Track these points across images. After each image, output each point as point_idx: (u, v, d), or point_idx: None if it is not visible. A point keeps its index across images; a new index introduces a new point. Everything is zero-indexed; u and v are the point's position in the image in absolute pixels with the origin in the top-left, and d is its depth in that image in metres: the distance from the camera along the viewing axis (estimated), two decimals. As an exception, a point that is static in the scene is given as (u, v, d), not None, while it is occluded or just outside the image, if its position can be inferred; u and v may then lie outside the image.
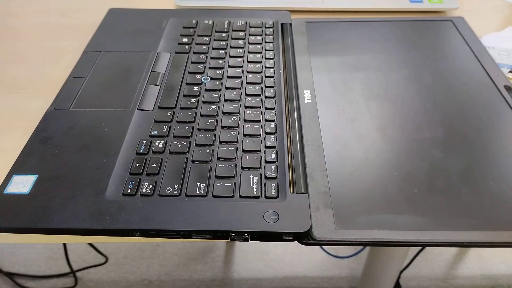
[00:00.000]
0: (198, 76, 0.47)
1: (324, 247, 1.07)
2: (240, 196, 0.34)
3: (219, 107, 0.42)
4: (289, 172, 0.36)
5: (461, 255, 1.11)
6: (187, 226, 0.31)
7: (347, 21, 0.57)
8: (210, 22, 0.55)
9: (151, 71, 0.47)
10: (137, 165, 0.36)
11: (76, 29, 0.57)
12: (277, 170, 0.36)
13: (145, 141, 0.38)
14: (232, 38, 0.52)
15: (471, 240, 0.32)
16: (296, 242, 0.32)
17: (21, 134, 0.40)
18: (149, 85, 0.45)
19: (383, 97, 0.44)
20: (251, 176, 0.35)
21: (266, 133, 0.40)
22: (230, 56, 0.49)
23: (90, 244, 1.05)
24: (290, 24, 0.56)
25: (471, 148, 0.39)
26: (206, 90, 0.44)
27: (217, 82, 0.45)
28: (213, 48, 0.51)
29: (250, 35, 0.53)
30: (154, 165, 0.36)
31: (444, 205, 0.34)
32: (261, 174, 0.36)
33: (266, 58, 0.49)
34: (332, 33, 0.54)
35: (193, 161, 0.37)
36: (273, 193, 0.34)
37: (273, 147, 0.38)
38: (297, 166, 0.37)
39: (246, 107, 0.42)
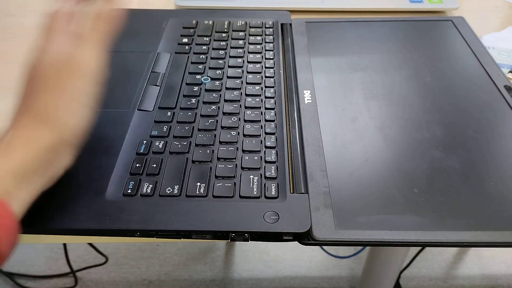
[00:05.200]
0: (198, 76, 0.47)
1: (324, 247, 1.07)
2: (240, 196, 0.34)
3: (219, 107, 0.42)
4: (289, 172, 0.36)
5: (461, 255, 1.11)
6: (187, 226, 0.31)
7: (347, 21, 0.57)
8: (210, 22, 0.55)
9: (151, 72, 0.47)
10: (137, 165, 0.36)
11: (76, 29, 0.57)
12: (277, 170, 0.36)
13: (145, 141, 0.38)
14: (232, 38, 0.52)
15: (471, 240, 0.32)
16: (296, 242, 0.32)
17: (21, 134, 0.40)
18: (149, 85, 0.45)
19: (383, 97, 0.44)
20: (251, 176, 0.35)
21: (266, 133, 0.40)
22: (230, 56, 0.49)
23: (90, 244, 1.05)
24: (290, 24, 0.56)
25: (471, 148, 0.39)
26: (206, 90, 0.44)
27: (217, 83, 0.45)
28: (213, 49, 0.51)
29: (250, 35, 0.53)
30: (154, 165, 0.36)
31: (444, 205, 0.34)
32: (261, 174, 0.36)
33: (266, 58, 0.49)
34: (332, 33, 0.54)
35: (193, 161, 0.37)
36: (273, 193, 0.34)
37: (273, 147, 0.38)
38: (297, 166, 0.37)
39: (246, 107, 0.42)
